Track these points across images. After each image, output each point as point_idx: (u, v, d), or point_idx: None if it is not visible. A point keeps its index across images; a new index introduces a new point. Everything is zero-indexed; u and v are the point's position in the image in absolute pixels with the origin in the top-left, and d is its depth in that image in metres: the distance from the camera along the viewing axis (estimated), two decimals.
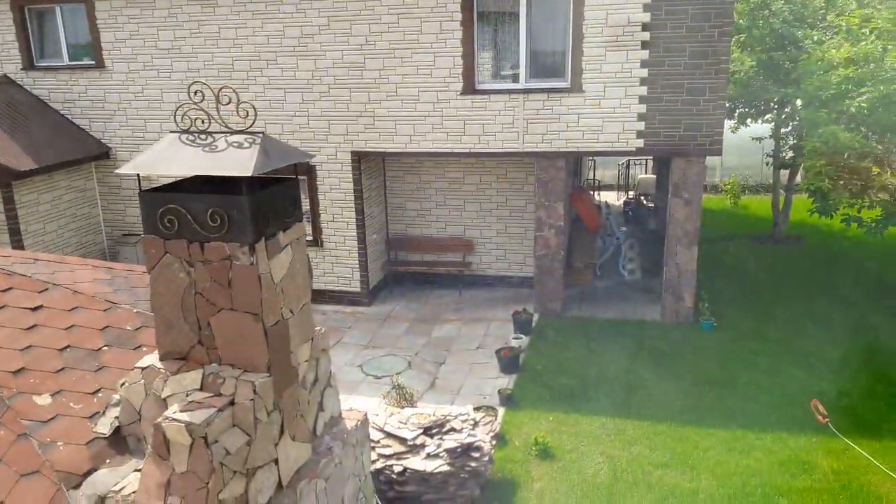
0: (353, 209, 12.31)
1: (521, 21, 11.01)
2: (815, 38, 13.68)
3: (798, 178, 16.47)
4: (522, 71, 11.22)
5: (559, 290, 12.01)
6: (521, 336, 11.04)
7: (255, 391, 3.64)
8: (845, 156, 11.16)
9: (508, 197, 13.17)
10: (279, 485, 3.95)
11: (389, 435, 7.29)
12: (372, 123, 11.77)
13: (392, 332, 11.67)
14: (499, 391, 9.35)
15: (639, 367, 10.13)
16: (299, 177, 5.00)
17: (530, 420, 8.82)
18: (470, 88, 11.31)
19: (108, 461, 3.76)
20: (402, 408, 8.05)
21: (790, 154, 15.67)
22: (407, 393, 8.59)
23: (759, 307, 12.17)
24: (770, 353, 10.44)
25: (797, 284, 13.24)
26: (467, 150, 11.63)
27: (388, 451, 7.15)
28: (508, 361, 10.06)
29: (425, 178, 13.41)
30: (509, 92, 11.27)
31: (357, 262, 12.59)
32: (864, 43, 11.47)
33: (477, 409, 8.64)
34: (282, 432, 3.97)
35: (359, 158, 12.07)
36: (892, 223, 11.54)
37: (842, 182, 11.42)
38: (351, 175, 12.12)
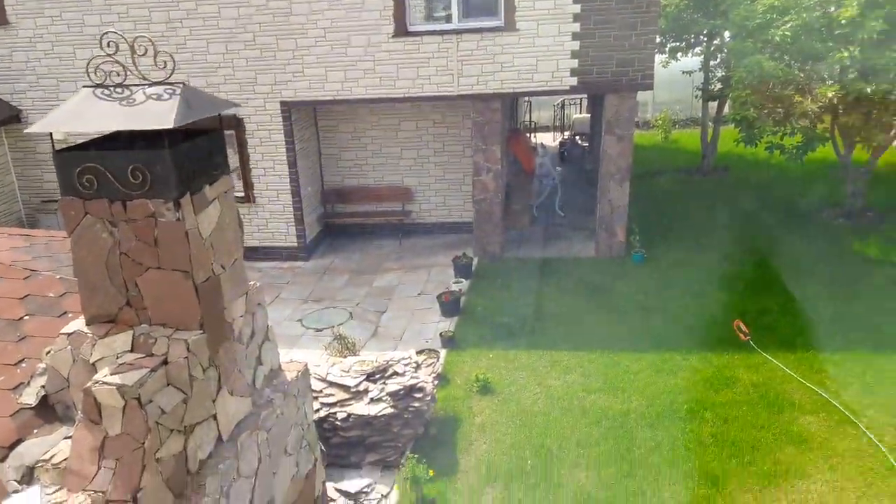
0: (286, 162, 12.18)
1: None
2: None
3: (726, 110, 16.93)
4: (455, 10, 11.10)
5: (498, 233, 12.26)
6: (462, 280, 11.30)
7: (188, 349, 3.66)
8: (769, 85, 11.53)
9: (446, 142, 13.23)
10: (219, 439, 4.02)
11: (332, 384, 7.49)
12: (301, 71, 11.58)
13: (332, 284, 11.77)
14: (441, 334, 9.62)
15: (574, 301, 10.52)
16: (227, 131, 4.96)
17: (471, 359, 9.14)
18: (402, 31, 11.17)
19: (35, 431, 3.75)
20: (345, 357, 8.24)
21: (718, 86, 16.05)
22: (349, 343, 8.77)
23: (686, 237, 12.69)
24: (696, 280, 10.96)
25: (722, 213, 13.80)
26: (402, 96, 11.56)
27: (331, 400, 7.35)
28: (450, 305, 10.32)
29: (360, 127, 13.32)
30: (442, 33, 11.16)
31: (292, 216, 12.53)
32: None
33: (419, 352, 8.91)
34: (219, 388, 4.02)
35: (289, 109, 11.89)
36: (811, 149, 12.09)
37: (766, 111, 11.84)
38: (281, 126, 11.95)
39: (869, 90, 10.71)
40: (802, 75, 11.54)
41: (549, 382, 8.51)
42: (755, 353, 8.85)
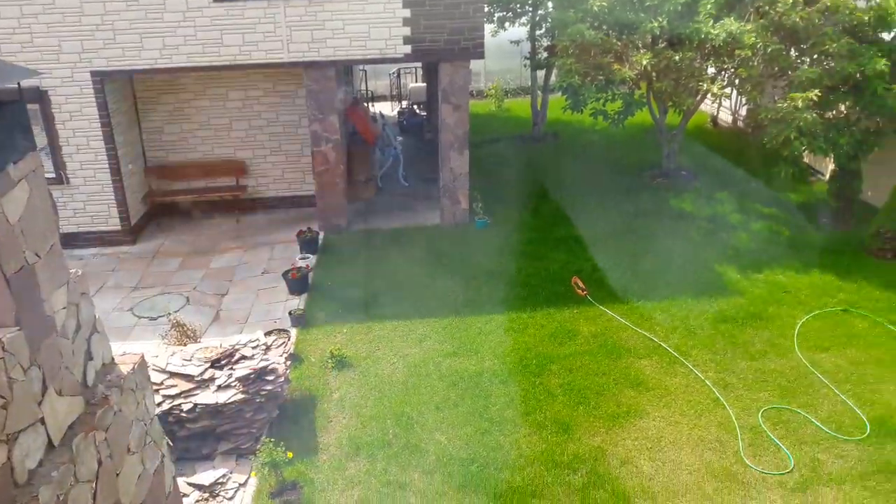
0: (101, 137, 11.09)
1: None
2: None
3: (553, 79, 17.66)
4: None
5: (342, 205, 12.02)
6: (308, 255, 10.98)
7: (3, 349, 3.27)
8: (591, 53, 12.12)
9: (280, 112, 12.68)
10: (50, 444, 3.65)
11: (174, 374, 6.99)
12: (112, 38, 10.53)
13: (163, 269, 10.97)
14: (290, 313, 9.31)
15: (423, 269, 10.60)
16: (29, 105, 4.39)
17: (324, 336, 8.94)
18: None
19: None
20: (185, 345, 7.72)
21: (544, 55, 16.69)
22: (188, 329, 8.21)
23: (524, 202, 13.18)
24: (536, 242, 11.45)
25: (555, 178, 14.47)
26: (228, 63, 10.88)
27: (174, 391, 6.87)
28: (297, 282, 9.99)
29: (184, 98, 12.41)
30: None
31: (113, 196, 11.48)
32: None
33: (268, 333, 8.55)
34: (45, 389, 3.63)
35: (101, 80, 10.81)
36: (630, 114, 12.91)
37: (589, 78, 12.45)
38: (94, 99, 10.85)
39: (677, 58, 11.57)
40: (620, 44, 12.25)
41: (406, 351, 8.52)
42: (593, 306, 9.41)
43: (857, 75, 10.56)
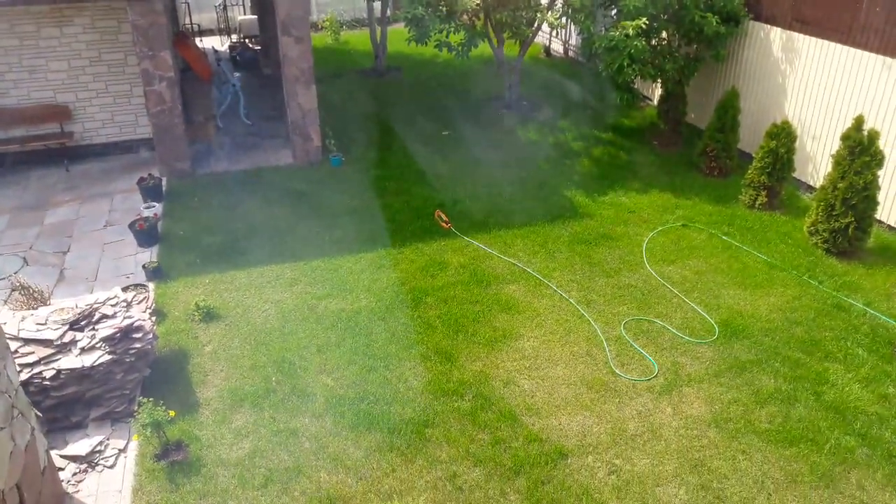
0: None
1: None
2: None
3: (389, 12, 17.35)
4: None
5: (184, 147, 11.25)
6: (154, 204, 10.23)
7: None
8: None
9: (102, 50, 11.47)
10: None
11: (29, 340, 6.39)
12: None
13: None
14: (143, 266, 8.71)
15: (282, 211, 10.29)
16: None
17: (186, 288, 8.49)
18: None
19: None
20: (36, 308, 7.04)
21: None
22: (34, 292, 7.48)
23: (376, 136, 13.08)
24: (394, 178, 11.47)
25: (404, 111, 14.45)
26: None
27: (31, 359, 6.29)
28: (146, 233, 9.33)
29: None
30: None
31: None
32: None
33: (125, 289, 7.98)
34: None
35: None
36: (473, 45, 13.07)
37: (431, 10, 12.39)
38: None
39: None
40: None
41: (277, 297, 8.33)
42: (458, 237, 9.67)
43: (676, 4, 11.38)
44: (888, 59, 9.43)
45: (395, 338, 7.65)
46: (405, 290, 8.46)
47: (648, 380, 7.14)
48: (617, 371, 7.24)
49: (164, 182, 10.89)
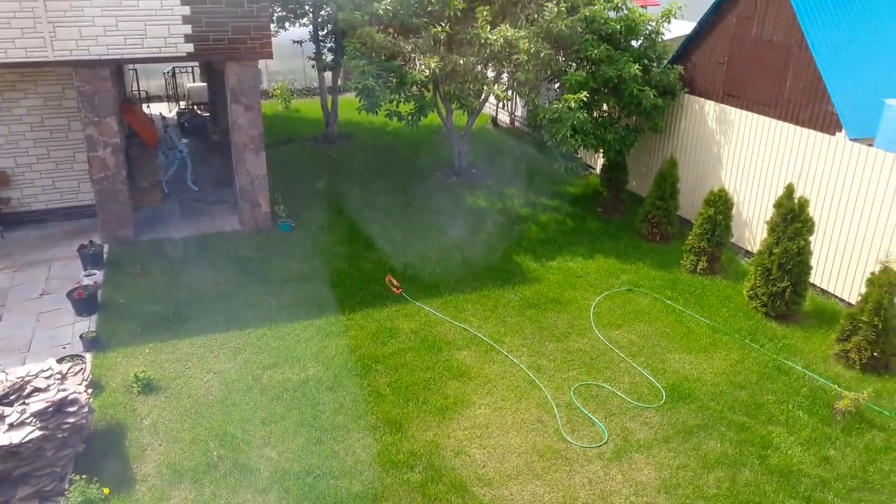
0: None
1: None
2: None
3: (340, 81, 17.66)
4: None
5: (127, 214, 11.05)
6: (94, 272, 9.95)
7: None
8: (382, 56, 12.35)
9: (45, 115, 11.31)
10: None
11: None
12: None
13: None
14: (81, 336, 8.39)
15: (228, 278, 10.11)
16: None
17: (125, 358, 8.19)
18: None
19: None
20: None
21: (331, 56, 16.63)
22: None
23: (327, 202, 13.11)
24: (344, 242, 11.46)
25: (354, 178, 14.56)
26: None
27: None
28: (85, 302, 9.01)
29: None
30: None
31: None
32: None
33: (60, 360, 7.64)
34: None
35: None
36: (423, 115, 13.35)
37: (381, 80, 12.68)
38: None
39: (462, 62, 12.20)
40: (408, 48, 12.63)
41: (220, 367, 8.09)
42: (409, 303, 9.65)
43: (616, 78, 11.93)
44: (811, 132, 10.02)
45: (343, 408, 7.48)
46: (354, 358, 8.33)
47: (598, 446, 7.12)
48: (568, 438, 7.21)
49: (105, 249, 10.62)
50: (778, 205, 9.28)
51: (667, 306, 9.87)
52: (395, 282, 10.05)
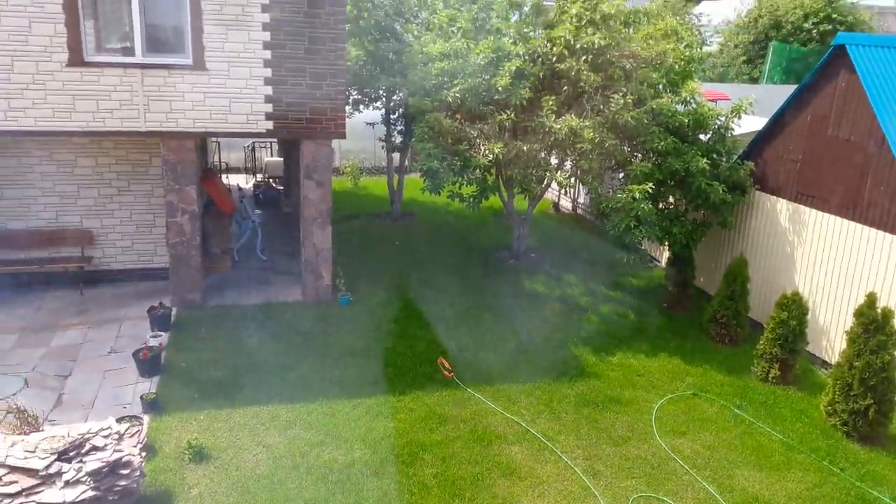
0: None
1: None
2: (414, 32, 15.16)
3: (407, 162, 18.20)
4: (138, 44, 10.29)
5: (197, 278, 11.45)
6: (161, 333, 10.27)
7: None
8: (448, 139, 12.70)
9: (132, 181, 12.02)
10: None
11: (14, 468, 6.22)
12: None
13: None
14: (141, 397, 8.60)
15: (285, 349, 10.25)
16: None
17: (180, 423, 8.32)
18: (78, 60, 10.00)
19: None
20: (27, 434, 6.89)
21: (400, 138, 17.23)
22: (29, 416, 7.36)
23: (386, 278, 13.28)
24: (399, 320, 11.52)
25: (415, 256, 14.77)
26: (80, 129, 10.30)
27: (13, 489, 6.10)
28: (148, 363, 9.28)
29: (26, 162, 11.50)
30: (125, 66, 10.26)
31: None
32: (453, 40, 13.11)
33: (119, 420, 7.81)
34: None
35: None
36: (484, 198, 13.55)
37: (446, 163, 13.00)
38: None
39: (525, 148, 12.40)
40: (474, 133, 12.96)
41: (270, 440, 8.11)
42: (460, 388, 9.53)
43: (683, 171, 11.85)
44: (894, 237, 9.55)
45: (386, 497, 7.31)
46: (402, 443, 8.20)
47: None
48: None
49: (173, 312, 10.98)
50: (859, 314, 8.74)
51: (735, 416, 9.35)
52: (447, 364, 9.98)
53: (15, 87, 9.83)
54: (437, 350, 10.50)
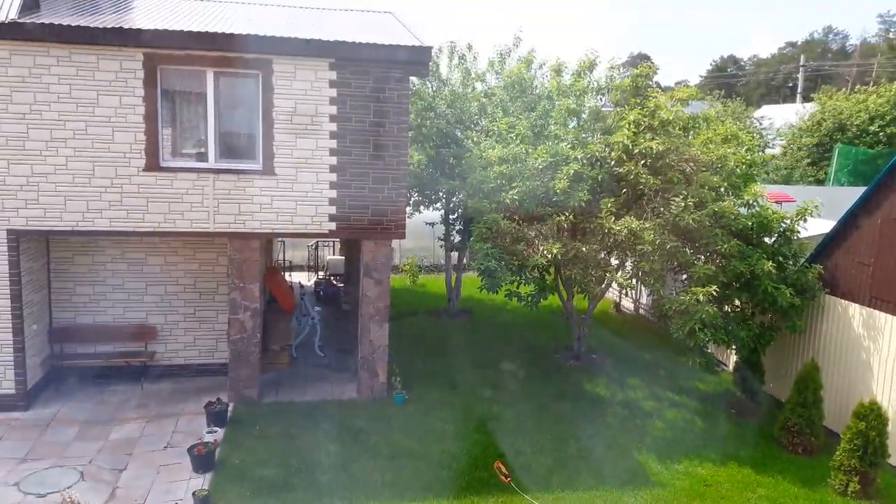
0: (9, 296, 10.53)
1: (209, 102, 10.75)
2: (474, 138, 15.70)
3: (465, 259, 18.41)
4: (211, 151, 10.90)
5: (255, 375, 11.57)
6: (216, 429, 10.30)
7: None
8: (506, 240, 12.82)
9: (198, 278, 12.46)
10: None
11: None
12: (36, 200, 10.35)
13: (58, 439, 10.00)
14: (193, 493, 8.54)
15: (339, 448, 10.11)
16: None
17: None
18: (154, 165, 10.63)
19: None
20: None
21: (458, 238, 17.51)
22: None
23: (441, 377, 13.13)
24: (455, 421, 11.26)
25: (471, 353, 14.61)
26: (151, 230, 10.81)
27: None
28: (203, 459, 9.28)
29: (99, 260, 12.07)
30: (198, 171, 10.85)
31: (11, 358, 10.68)
32: (511, 145, 13.47)
33: None
34: None
35: (17, 238, 10.44)
36: (542, 297, 13.46)
37: (503, 263, 13.06)
38: (6, 257, 10.41)
39: (584, 249, 12.38)
40: (532, 233, 13.05)
41: None
42: (517, 495, 9.14)
43: (748, 274, 11.55)
44: None
45: None
46: None
47: None
48: None
49: (230, 408, 11.05)
50: None
51: None
52: (503, 469, 9.62)
53: (94, 190, 10.48)
54: (493, 454, 10.17)
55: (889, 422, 9.60)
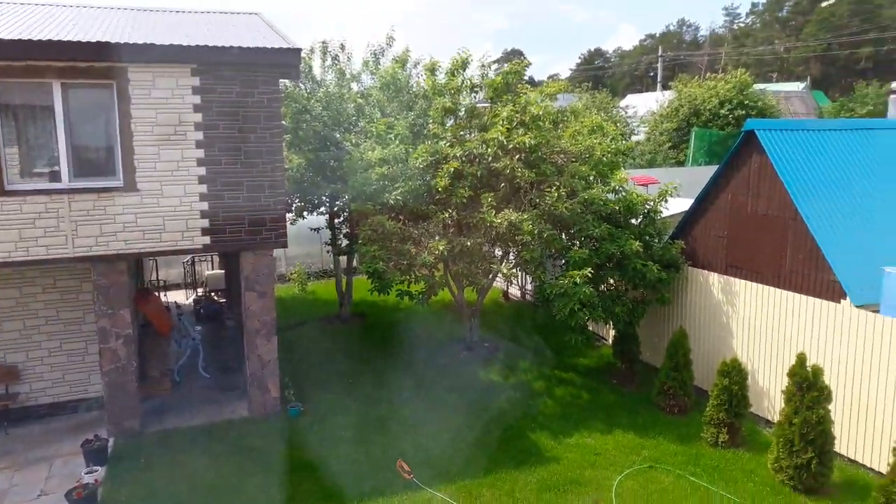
0: None
1: (58, 116, 9.97)
2: (353, 140, 15.57)
3: (355, 262, 18.22)
4: (64, 169, 10.12)
5: (135, 405, 10.92)
6: (96, 468, 9.63)
7: None
8: (392, 241, 12.84)
9: (60, 309, 11.59)
10: None
11: None
12: None
13: None
14: None
15: (233, 469, 9.75)
16: None
17: None
18: None
19: None
20: None
21: (345, 242, 17.31)
22: None
23: (337, 384, 12.97)
24: (353, 426, 11.17)
25: (366, 357, 14.54)
26: (2, 261, 9.93)
27: None
28: (83, 502, 8.67)
29: None
30: (50, 192, 10.05)
31: None
32: (391, 146, 13.50)
33: None
34: None
35: None
36: (433, 294, 13.59)
37: (392, 263, 13.07)
38: None
39: (469, 243, 12.61)
40: (418, 232, 13.15)
41: None
42: (420, 489, 9.20)
43: (619, 254, 12.22)
44: (817, 300, 10.02)
45: None
46: None
47: None
48: None
49: (110, 443, 10.39)
50: (792, 374, 9.14)
51: (692, 483, 9.38)
52: (405, 466, 9.65)
53: None
54: (394, 452, 10.17)
55: (749, 375, 10.53)
